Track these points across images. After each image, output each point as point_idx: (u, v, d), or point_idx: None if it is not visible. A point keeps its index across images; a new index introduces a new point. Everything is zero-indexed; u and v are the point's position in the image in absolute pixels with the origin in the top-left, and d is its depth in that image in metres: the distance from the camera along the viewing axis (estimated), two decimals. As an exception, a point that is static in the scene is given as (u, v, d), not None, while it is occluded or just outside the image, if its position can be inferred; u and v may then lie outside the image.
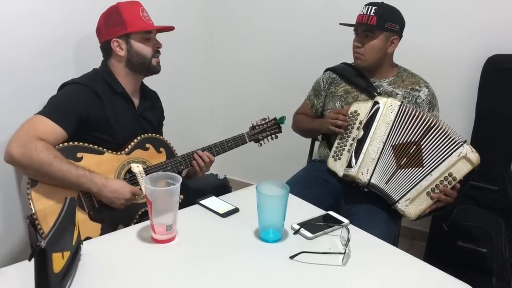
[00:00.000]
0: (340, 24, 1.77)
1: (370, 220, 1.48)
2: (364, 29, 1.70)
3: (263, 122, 1.80)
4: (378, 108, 1.60)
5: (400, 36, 1.75)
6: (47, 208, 1.35)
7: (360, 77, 1.80)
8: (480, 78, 1.98)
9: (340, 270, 1.05)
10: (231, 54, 2.80)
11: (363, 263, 1.09)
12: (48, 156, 1.32)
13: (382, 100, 1.61)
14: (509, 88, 1.90)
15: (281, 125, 1.82)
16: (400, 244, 1.86)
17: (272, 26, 2.58)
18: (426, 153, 1.51)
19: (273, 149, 2.58)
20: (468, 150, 1.47)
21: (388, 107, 1.59)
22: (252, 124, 1.80)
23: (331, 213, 1.31)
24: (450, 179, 1.47)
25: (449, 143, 1.49)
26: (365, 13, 1.69)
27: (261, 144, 1.81)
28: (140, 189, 1.49)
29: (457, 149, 1.47)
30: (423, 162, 1.51)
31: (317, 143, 2.07)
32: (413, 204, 1.51)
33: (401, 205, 1.52)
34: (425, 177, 1.50)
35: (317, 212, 1.33)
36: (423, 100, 1.73)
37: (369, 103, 1.65)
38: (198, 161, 1.62)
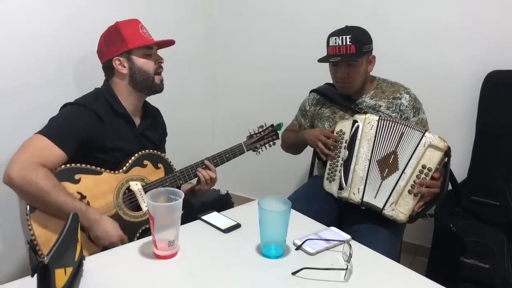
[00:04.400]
0: (319, 61, 1.74)
1: (372, 237, 1.47)
2: (347, 60, 1.68)
3: (261, 130, 1.79)
4: (358, 127, 1.61)
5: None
6: (47, 233, 1.33)
7: (343, 96, 1.81)
8: (480, 94, 2.00)
9: (342, 286, 1.05)
10: (232, 72, 2.82)
11: (365, 279, 1.08)
12: (48, 184, 1.30)
13: (360, 118, 1.62)
14: (509, 103, 1.92)
15: (278, 131, 1.81)
16: (402, 259, 1.85)
17: (273, 45, 2.61)
18: (400, 157, 1.53)
19: (275, 164, 2.59)
20: (431, 138, 1.50)
21: (367, 124, 1.60)
22: (250, 133, 1.79)
23: (333, 228, 1.31)
24: (425, 170, 1.49)
25: (412, 138, 1.52)
26: (341, 44, 1.66)
27: (259, 153, 1.79)
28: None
29: (420, 140, 1.50)
30: (399, 165, 1.53)
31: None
32: (399, 206, 1.52)
33: (387, 211, 1.53)
34: (400, 176, 1.51)
35: (319, 227, 1.33)
36: (406, 107, 1.74)
37: (351, 122, 1.65)
38: (203, 173, 1.61)
